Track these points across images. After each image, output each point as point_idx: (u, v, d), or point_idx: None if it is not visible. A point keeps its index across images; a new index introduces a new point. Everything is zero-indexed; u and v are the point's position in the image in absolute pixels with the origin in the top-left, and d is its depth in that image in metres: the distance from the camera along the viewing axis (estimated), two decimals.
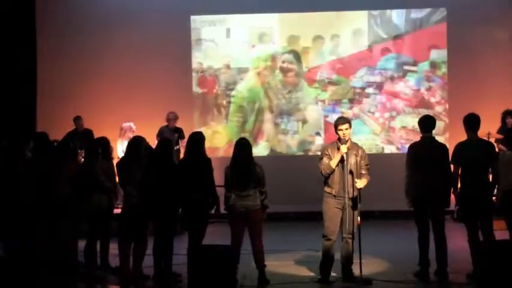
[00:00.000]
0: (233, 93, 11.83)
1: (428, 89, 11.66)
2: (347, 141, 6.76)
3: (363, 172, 6.87)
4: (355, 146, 6.94)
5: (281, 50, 11.77)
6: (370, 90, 11.70)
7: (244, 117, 11.82)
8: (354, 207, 6.77)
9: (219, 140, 11.65)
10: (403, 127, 11.62)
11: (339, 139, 6.81)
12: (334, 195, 6.79)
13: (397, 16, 11.70)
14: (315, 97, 11.77)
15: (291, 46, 11.76)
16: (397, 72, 11.66)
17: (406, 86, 11.66)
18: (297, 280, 7.07)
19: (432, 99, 11.62)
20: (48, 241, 7.19)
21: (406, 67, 11.69)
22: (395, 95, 11.69)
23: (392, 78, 11.67)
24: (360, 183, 6.76)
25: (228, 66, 11.81)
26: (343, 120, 6.91)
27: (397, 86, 11.66)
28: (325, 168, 6.80)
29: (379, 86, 11.69)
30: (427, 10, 11.59)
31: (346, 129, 6.75)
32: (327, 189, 6.86)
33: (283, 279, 7.06)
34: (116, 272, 7.35)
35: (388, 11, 11.64)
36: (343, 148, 6.69)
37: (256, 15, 11.73)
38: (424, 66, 11.65)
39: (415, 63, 11.67)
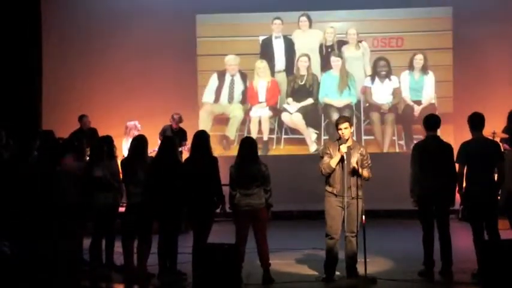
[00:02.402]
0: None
1: None
2: (347, 140, 6.77)
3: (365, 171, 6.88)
4: (357, 145, 6.97)
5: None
6: None
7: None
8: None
9: None
10: None
11: (340, 138, 6.84)
12: (336, 195, 6.80)
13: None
14: None
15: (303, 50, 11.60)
16: None
17: None
18: (301, 279, 7.06)
19: None
20: (54, 240, 7.20)
21: None
22: None
23: None
24: (363, 171, 6.75)
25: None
26: (343, 119, 6.94)
27: None
28: (325, 167, 6.81)
29: None
30: None
31: (346, 128, 6.76)
32: (328, 188, 6.87)
33: (287, 278, 7.05)
34: (121, 270, 7.37)
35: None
36: (343, 148, 6.70)
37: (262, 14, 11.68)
38: None
39: None
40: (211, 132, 11.29)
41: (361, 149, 6.92)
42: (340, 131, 6.80)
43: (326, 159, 6.83)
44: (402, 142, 11.47)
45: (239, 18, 11.76)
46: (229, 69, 11.67)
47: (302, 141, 11.58)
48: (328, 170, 6.79)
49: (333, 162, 6.76)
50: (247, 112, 11.64)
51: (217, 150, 11.18)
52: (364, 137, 11.41)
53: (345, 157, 6.71)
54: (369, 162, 6.92)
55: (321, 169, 6.85)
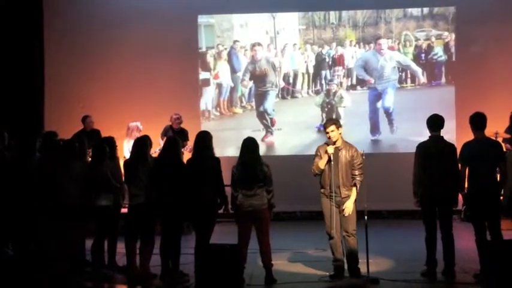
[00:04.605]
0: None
1: None
2: (335, 142, 6.90)
3: (356, 173, 6.92)
4: (346, 146, 7.01)
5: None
6: None
7: None
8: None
9: None
10: None
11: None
12: (327, 195, 6.94)
13: None
14: None
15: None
16: None
17: None
18: (303, 279, 7.06)
19: None
20: (56, 241, 7.21)
21: None
22: None
23: None
24: (347, 209, 6.84)
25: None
26: (330, 122, 7.14)
27: None
28: (314, 168, 7.01)
29: None
30: None
31: (332, 130, 6.95)
32: (321, 189, 7.02)
33: (290, 278, 7.06)
34: (123, 270, 7.37)
35: None
36: (329, 149, 6.88)
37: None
38: None
39: None
40: None
41: (353, 150, 6.98)
42: (327, 134, 6.97)
43: (316, 160, 7.01)
44: None
45: (240, 19, 11.76)
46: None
47: None
48: (317, 170, 6.98)
49: (321, 163, 6.92)
50: None
51: None
52: None
53: (331, 158, 6.84)
54: (359, 162, 6.95)
55: (312, 169, 7.02)
